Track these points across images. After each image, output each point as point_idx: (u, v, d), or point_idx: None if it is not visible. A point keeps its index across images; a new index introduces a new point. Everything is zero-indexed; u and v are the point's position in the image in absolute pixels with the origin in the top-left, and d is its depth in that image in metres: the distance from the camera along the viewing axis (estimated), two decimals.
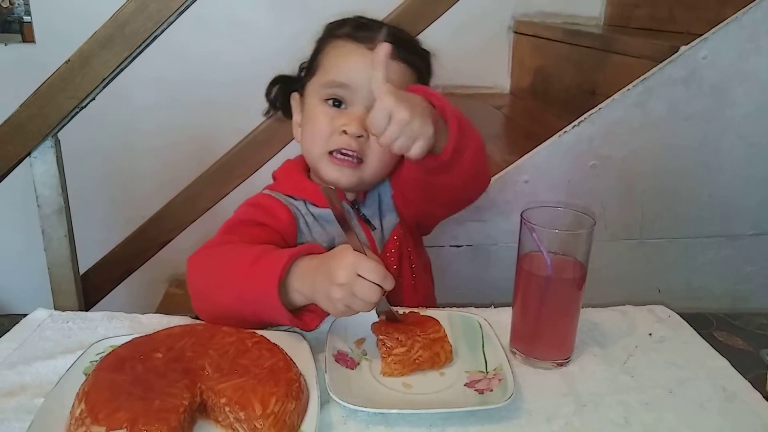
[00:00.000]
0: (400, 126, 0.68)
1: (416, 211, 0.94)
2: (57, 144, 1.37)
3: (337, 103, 0.88)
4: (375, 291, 0.67)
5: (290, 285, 0.72)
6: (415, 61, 0.90)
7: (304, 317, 0.75)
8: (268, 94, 0.99)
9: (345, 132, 0.85)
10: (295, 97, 0.97)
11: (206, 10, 1.41)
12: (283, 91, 0.99)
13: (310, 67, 0.94)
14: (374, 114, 0.69)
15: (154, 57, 1.37)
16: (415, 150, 0.70)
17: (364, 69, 0.81)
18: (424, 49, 0.95)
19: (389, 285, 0.68)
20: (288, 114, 0.99)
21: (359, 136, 0.85)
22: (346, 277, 0.67)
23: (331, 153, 0.87)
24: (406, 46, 0.88)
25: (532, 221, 0.72)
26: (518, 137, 1.76)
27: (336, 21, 0.93)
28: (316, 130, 0.88)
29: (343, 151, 0.86)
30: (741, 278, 1.42)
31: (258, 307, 0.73)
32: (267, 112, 1.02)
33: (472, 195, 0.92)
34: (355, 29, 0.89)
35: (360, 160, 0.87)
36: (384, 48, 0.71)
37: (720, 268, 1.41)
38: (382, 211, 0.95)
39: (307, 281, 0.71)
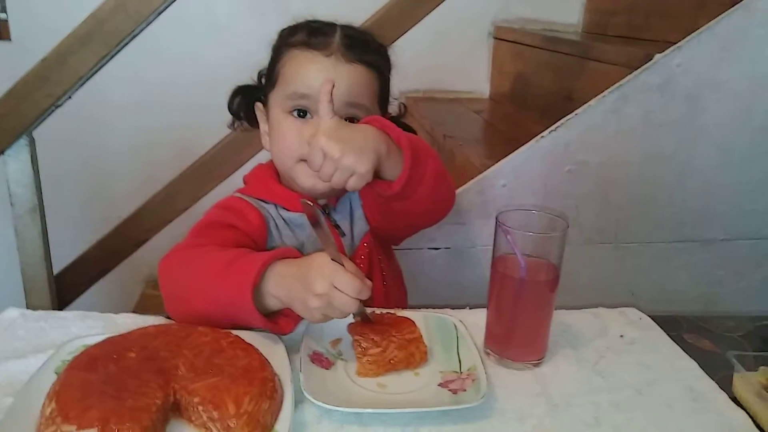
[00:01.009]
0: (333, 163, 0.71)
1: (381, 227, 0.95)
2: (32, 142, 1.36)
3: (302, 113, 0.88)
4: (352, 303, 0.68)
5: (265, 290, 0.72)
6: (371, 59, 0.89)
7: (279, 321, 0.75)
8: (230, 105, 0.98)
9: None
10: (259, 107, 0.97)
11: (186, 10, 1.41)
12: (246, 101, 0.98)
13: (269, 78, 0.93)
14: (309, 152, 0.73)
15: (132, 56, 1.36)
16: (351, 184, 0.73)
17: (322, 77, 0.81)
18: (380, 44, 0.94)
19: (365, 296, 0.68)
20: (253, 123, 0.99)
21: None
22: (323, 288, 0.67)
23: (304, 160, 0.86)
24: (360, 45, 0.88)
25: (507, 224, 0.73)
26: (497, 142, 1.77)
27: (288, 28, 0.92)
28: (285, 143, 0.89)
29: None
30: (713, 282, 1.45)
31: (232, 311, 0.73)
32: (232, 124, 1.01)
33: (431, 220, 0.94)
34: (309, 35, 0.88)
35: None
36: (326, 85, 0.73)
37: (693, 273, 1.43)
38: (354, 218, 0.95)
39: (283, 287, 0.71)
